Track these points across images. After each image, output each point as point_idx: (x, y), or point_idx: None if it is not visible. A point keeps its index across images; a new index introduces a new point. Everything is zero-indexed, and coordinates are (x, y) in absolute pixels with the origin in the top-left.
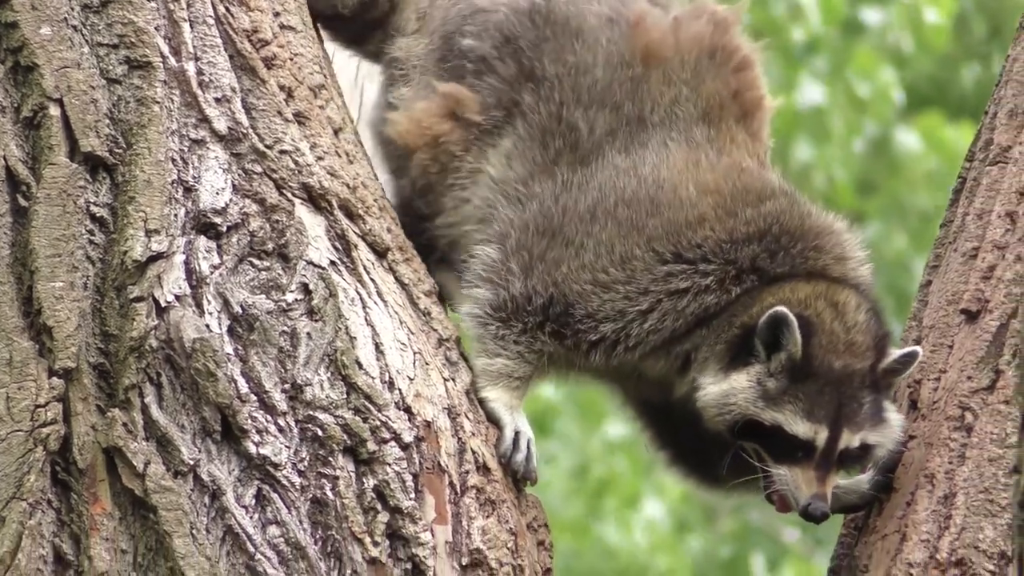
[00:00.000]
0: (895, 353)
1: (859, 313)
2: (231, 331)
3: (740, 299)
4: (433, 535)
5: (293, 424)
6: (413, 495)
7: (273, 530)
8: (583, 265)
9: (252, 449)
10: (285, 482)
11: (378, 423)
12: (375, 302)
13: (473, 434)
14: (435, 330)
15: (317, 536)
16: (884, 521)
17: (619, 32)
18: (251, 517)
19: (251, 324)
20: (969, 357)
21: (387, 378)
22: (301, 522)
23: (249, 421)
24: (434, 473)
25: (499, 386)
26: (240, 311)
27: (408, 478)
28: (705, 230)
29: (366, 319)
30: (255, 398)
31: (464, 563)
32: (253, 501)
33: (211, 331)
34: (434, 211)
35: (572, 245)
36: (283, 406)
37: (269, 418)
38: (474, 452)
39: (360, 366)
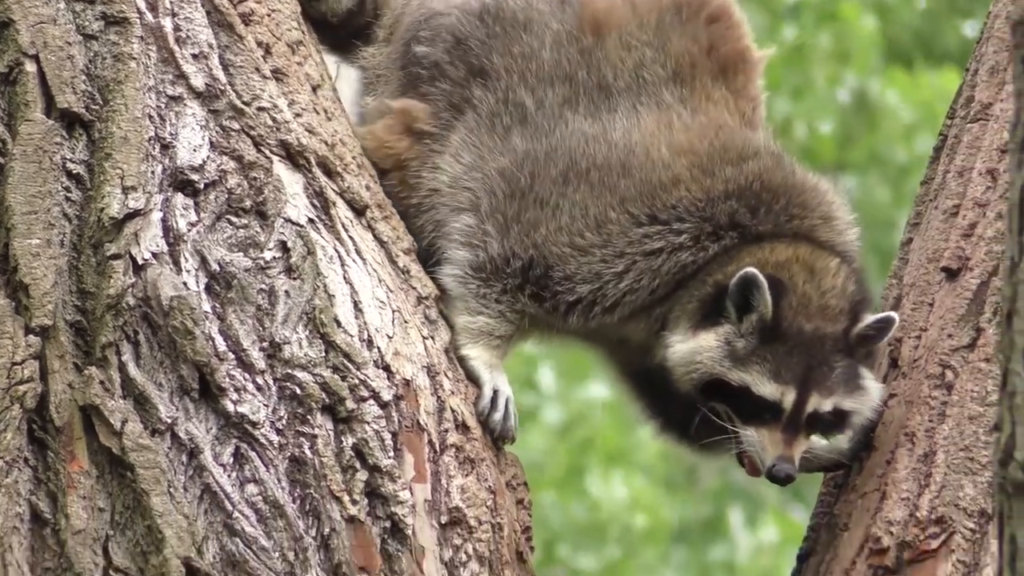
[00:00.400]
0: (869, 318)
1: (836, 277)
2: (209, 289)
3: (718, 257)
4: (412, 494)
5: (271, 382)
6: (392, 453)
7: (251, 488)
8: (560, 227)
9: (230, 407)
10: (263, 440)
11: (357, 381)
12: (353, 260)
13: (452, 392)
14: (414, 288)
15: (295, 494)
16: (864, 479)
17: (571, 11)
18: (229, 475)
19: (229, 282)
20: (950, 315)
21: (366, 336)
22: (279, 480)
23: (227, 379)
24: (413, 432)
25: (479, 344)
26: (218, 269)
27: (387, 436)
28: (680, 191)
29: (344, 277)
30: (233, 356)
31: (443, 521)
32: (231, 459)
33: (188, 289)
34: (416, 236)
35: (547, 206)
36: (261, 364)
37: (247, 376)
38: (453, 411)
39: (338, 324)
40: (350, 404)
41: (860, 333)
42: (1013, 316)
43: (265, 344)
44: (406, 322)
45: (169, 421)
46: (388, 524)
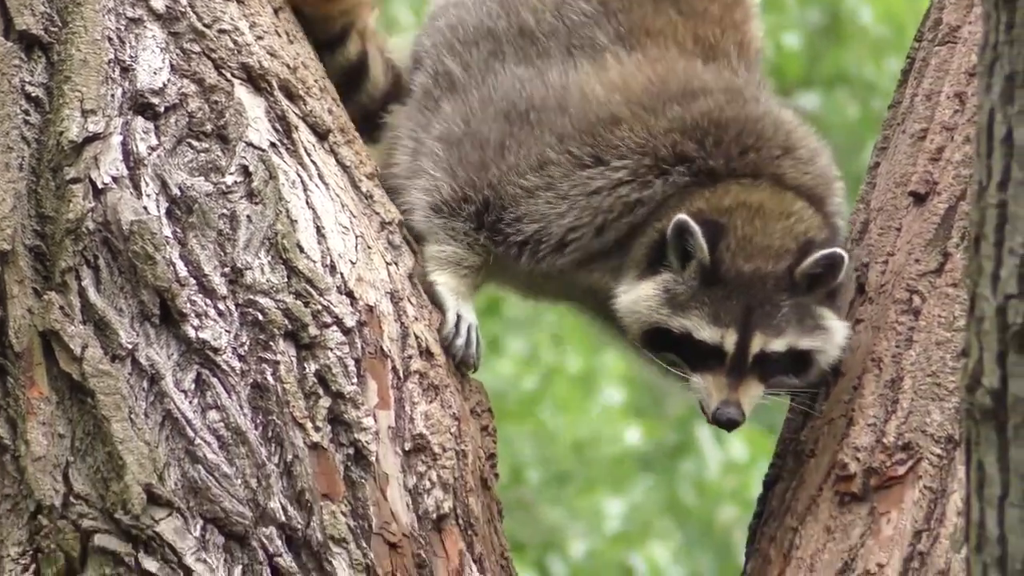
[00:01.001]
0: (817, 253)
1: (785, 217)
2: (169, 213)
3: (670, 199)
4: (376, 420)
5: (233, 308)
6: (355, 380)
7: (213, 415)
8: (509, 167)
9: (191, 333)
10: (225, 367)
11: (319, 307)
12: (316, 184)
13: (416, 319)
14: (377, 213)
15: (258, 421)
16: (831, 405)
17: None
18: (190, 402)
19: (190, 206)
20: (917, 240)
21: (328, 262)
22: (241, 407)
23: (188, 305)
24: (376, 358)
25: (447, 272)
26: (178, 193)
27: (350, 363)
28: (622, 130)
29: (307, 202)
30: (194, 282)
31: (407, 448)
32: (192, 386)
33: (149, 213)
34: None
35: (490, 146)
36: (223, 290)
37: (208, 302)
38: (417, 337)
39: (301, 250)
40: (313, 330)
41: (805, 271)
42: (981, 241)
43: (227, 270)
44: (369, 247)
45: (130, 347)
46: (351, 451)
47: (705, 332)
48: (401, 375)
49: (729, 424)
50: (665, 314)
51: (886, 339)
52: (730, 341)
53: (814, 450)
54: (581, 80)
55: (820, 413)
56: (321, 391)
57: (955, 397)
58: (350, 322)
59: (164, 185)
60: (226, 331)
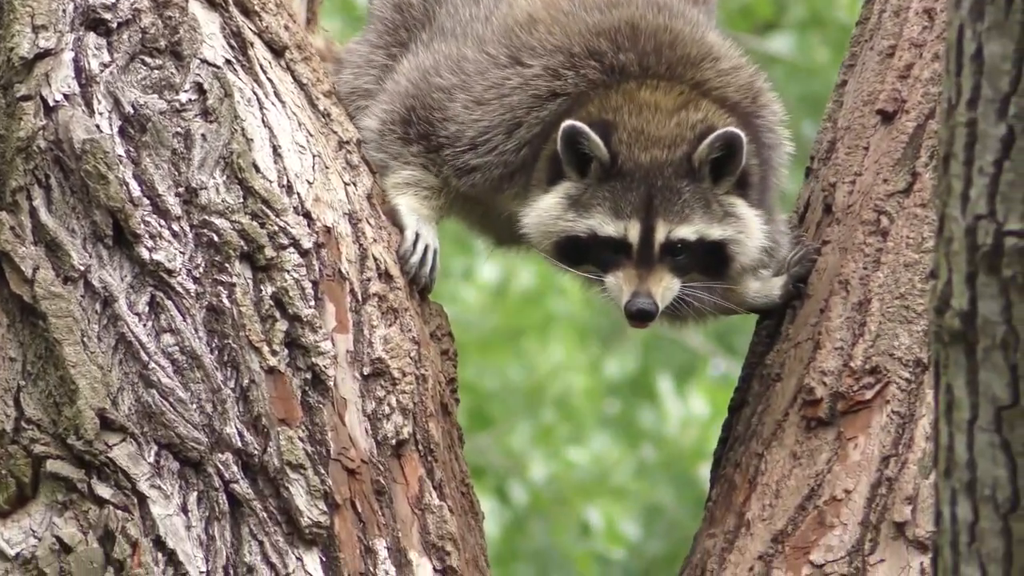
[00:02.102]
0: (712, 135)
1: (681, 111)
2: (122, 132)
3: (581, 98)
4: (334, 344)
5: (188, 229)
6: (313, 303)
7: (167, 338)
8: (427, 71)
9: (145, 255)
10: (180, 289)
11: (276, 228)
12: (272, 103)
13: (375, 240)
14: (335, 132)
15: (213, 345)
16: (797, 329)
17: None
18: (144, 325)
19: (143, 125)
20: (885, 159)
21: (285, 182)
22: (196, 330)
23: (142, 225)
24: (334, 280)
25: (407, 194)
26: (132, 111)
27: (307, 285)
28: (539, 31)
29: (263, 120)
30: (148, 202)
31: (366, 373)
32: (146, 308)
33: (102, 132)
34: None
35: (415, 67)
36: (177, 210)
37: (163, 223)
38: (376, 259)
39: (257, 169)
40: (269, 252)
41: (702, 156)
42: (950, 160)
43: (181, 190)
44: (327, 167)
45: (82, 268)
46: (309, 375)
47: (609, 227)
48: (359, 298)
49: (641, 315)
50: (570, 219)
51: (853, 261)
52: (634, 232)
53: (780, 374)
54: None
55: (786, 335)
56: (278, 314)
57: (924, 320)
58: (307, 244)
59: (117, 103)
60: (180, 253)
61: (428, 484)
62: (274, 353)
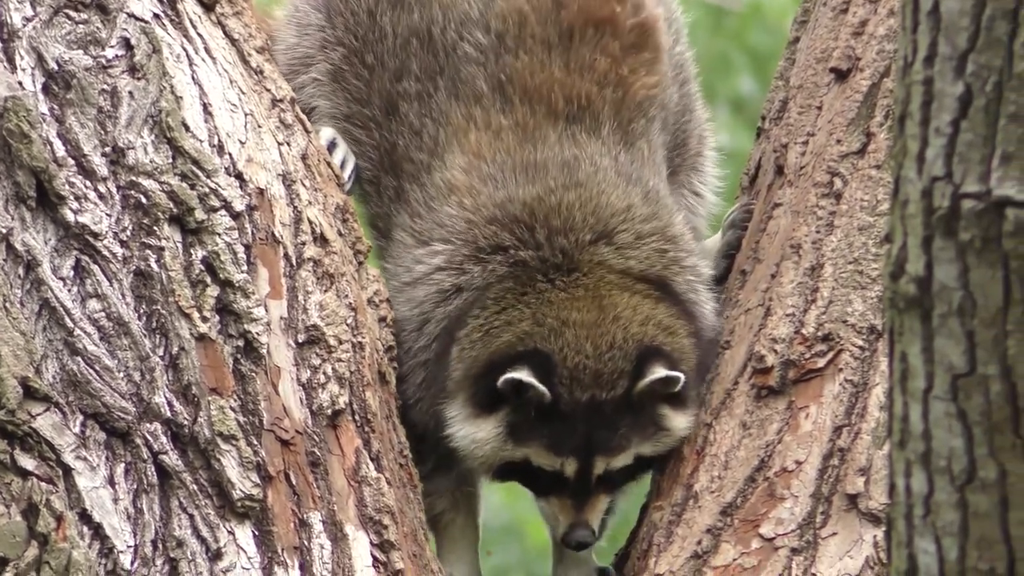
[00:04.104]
0: (650, 376)
1: (616, 330)
2: (46, 89)
3: (486, 293)
4: (267, 310)
5: (114, 190)
6: (245, 267)
7: (93, 304)
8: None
9: (70, 217)
10: (106, 253)
11: (207, 190)
12: (203, 59)
13: (310, 203)
14: (268, 90)
15: (141, 311)
16: (747, 294)
17: None
18: (69, 290)
19: (68, 82)
20: (839, 119)
21: (216, 142)
22: (123, 296)
23: (66, 187)
24: (268, 244)
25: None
26: (56, 67)
27: (239, 249)
28: (452, 207)
29: (193, 77)
30: (73, 162)
31: (300, 340)
32: (71, 273)
33: (24, 89)
34: None
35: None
36: (103, 171)
37: (88, 184)
38: (311, 222)
39: (187, 128)
40: (200, 214)
41: (642, 392)
42: (906, 119)
43: (107, 149)
44: (260, 126)
45: (4, 231)
46: (241, 343)
47: (545, 460)
48: (294, 262)
49: (581, 546)
50: (508, 449)
51: (806, 224)
52: (571, 468)
53: (729, 341)
54: (447, 143)
55: (736, 301)
56: (208, 279)
57: (878, 285)
58: (239, 206)
59: (40, 59)
60: (107, 215)
61: (365, 455)
62: (205, 320)
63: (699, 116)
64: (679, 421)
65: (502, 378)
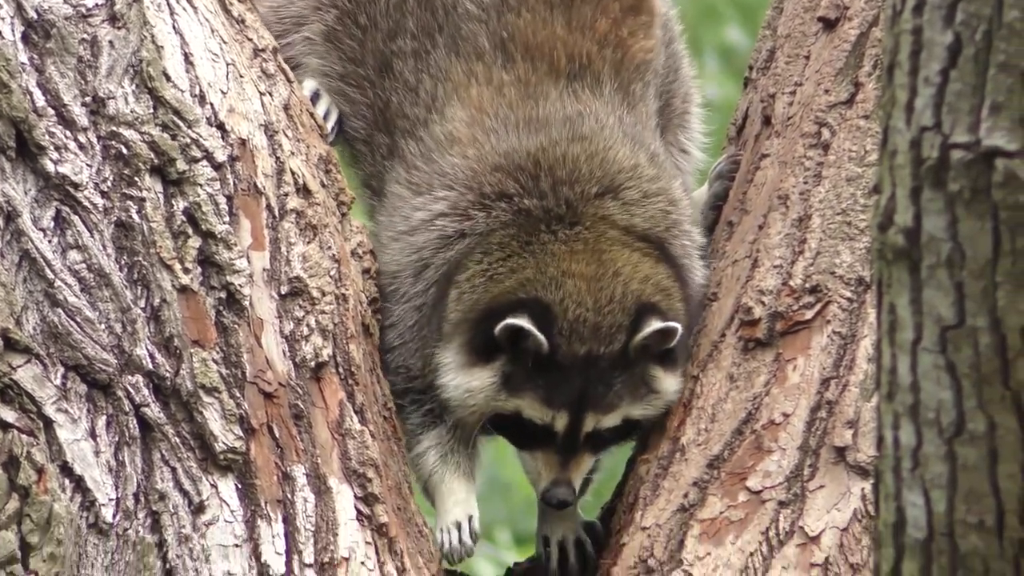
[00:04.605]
0: (647, 329)
1: (616, 284)
2: (25, 38)
3: (490, 241)
4: (249, 262)
5: (95, 140)
6: (227, 219)
7: (74, 255)
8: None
9: (50, 167)
10: (87, 203)
11: (188, 140)
12: (183, 8)
13: (293, 153)
14: (250, 39)
15: (122, 262)
16: (734, 246)
17: None
18: (50, 241)
19: (47, 31)
20: (827, 68)
21: (198, 91)
22: (104, 247)
23: (46, 137)
24: (250, 195)
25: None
26: (35, 16)
27: (221, 200)
28: (455, 156)
29: (174, 27)
30: (53, 112)
31: (283, 292)
32: (52, 224)
33: (3, 38)
34: None
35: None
36: (84, 121)
37: (68, 134)
38: (293, 173)
39: (168, 78)
40: (181, 165)
41: (638, 346)
42: (895, 69)
43: (88, 99)
44: (241, 76)
45: None
46: (223, 294)
47: (536, 413)
48: (276, 214)
49: (560, 505)
50: (501, 399)
51: (793, 175)
52: (561, 423)
53: (716, 293)
54: (447, 98)
55: (723, 253)
56: (190, 230)
57: (866, 236)
58: (221, 156)
59: (19, 7)
60: (87, 165)
61: (349, 408)
62: (186, 271)
63: (685, 74)
64: (668, 383)
65: (501, 324)
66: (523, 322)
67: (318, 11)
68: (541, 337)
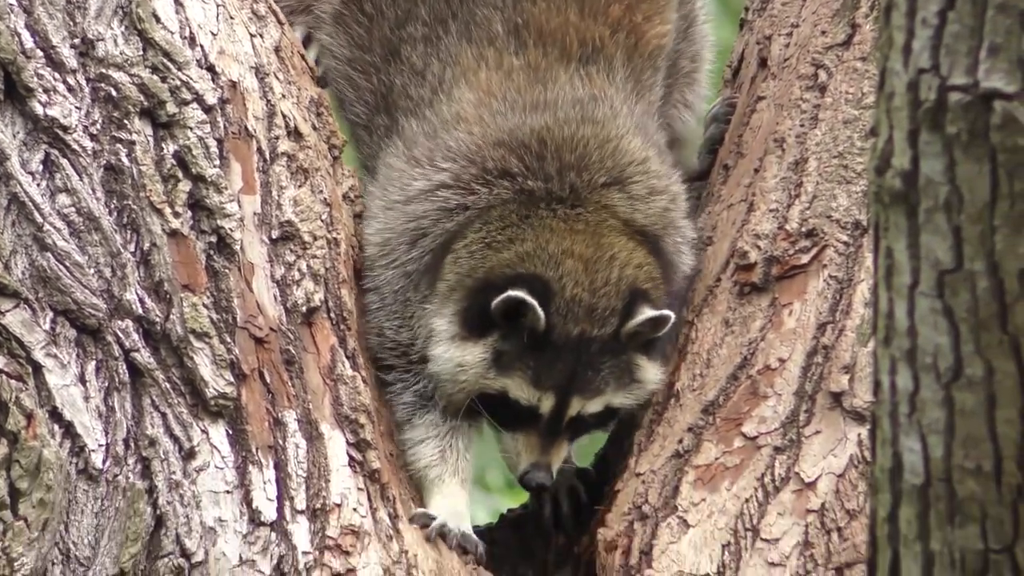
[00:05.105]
0: (640, 316)
1: (613, 267)
2: None
3: (490, 213)
4: (240, 206)
5: (84, 83)
6: (217, 162)
7: (63, 199)
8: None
9: (39, 110)
10: (76, 146)
11: (178, 83)
12: None
13: (283, 96)
14: None
15: (112, 206)
16: (730, 189)
17: None
18: (38, 184)
19: None
20: (823, 10)
21: (187, 33)
22: (94, 190)
23: (35, 79)
24: (240, 138)
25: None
26: None
27: (212, 143)
28: (460, 132)
29: None
30: (41, 54)
31: (274, 236)
32: (40, 167)
33: None
34: None
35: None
36: (73, 63)
37: (57, 76)
38: (284, 116)
39: (157, 20)
40: (171, 107)
41: (629, 332)
42: (892, 10)
43: (77, 41)
44: (232, 18)
45: None
46: (214, 239)
47: (523, 393)
48: (267, 157)
49: (538, 488)
50: (491, 377)
51: (790, 117)
52: (547, 405)
53: (712, 238)
54: (455, 80)
55: (719, 197)
56: (180, 174)
57: (863, 180)
58: (211, 99)
59: None
60: (76, 108)
61: (340, 353)
62: (176, 215)
63: (698, 34)
64: (652, 373)
65: (502, 296)
66: (525, 295)
67: None
68: (541, 312)
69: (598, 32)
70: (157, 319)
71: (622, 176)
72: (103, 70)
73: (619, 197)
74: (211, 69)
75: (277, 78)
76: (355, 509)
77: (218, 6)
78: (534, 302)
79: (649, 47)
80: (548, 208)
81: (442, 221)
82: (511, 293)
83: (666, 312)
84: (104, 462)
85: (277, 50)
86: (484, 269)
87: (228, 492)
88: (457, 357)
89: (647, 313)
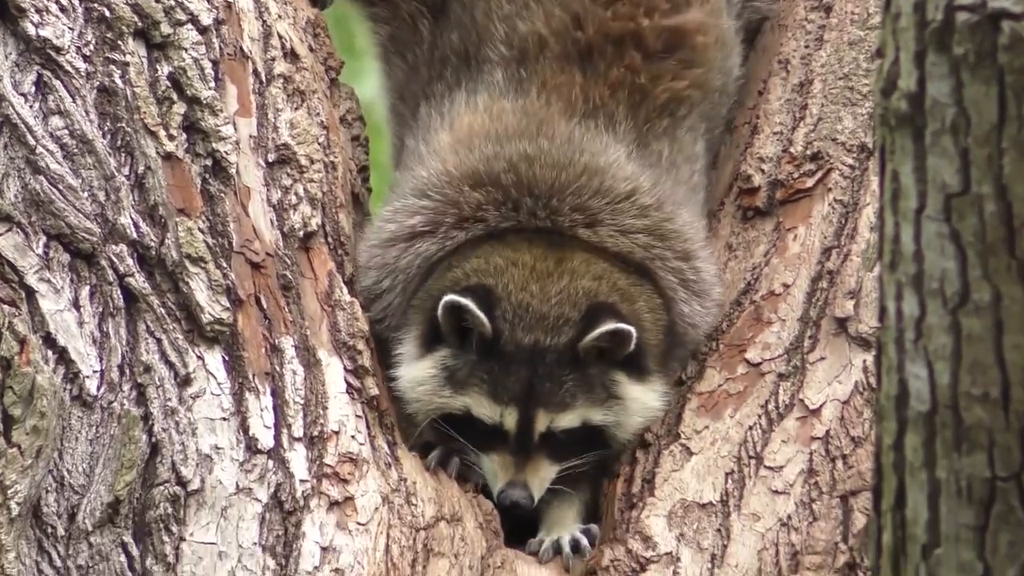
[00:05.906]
0: (599, 329)
1: (568, 278)
2: None
3: (461, 249)
4: (236, 128)
5: (77, 3)
6: (212, 84)
7: (56, 121)
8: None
9: (31, 30)
10: (69, 68)
11: (172, 3)
12: None
13: (280, 17)
14: None
15: (105, 128)
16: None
17: None
18: (31, 107)
19: None
20: None
21: None
22: (87, 112)
23: None
24: (236, 60)
25: None
26: None
27: (207, 65)
28: (435, 162)
29: None
30: None
31: (271, 159)
32: (33, 89)
33: None
34: None
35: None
36: None
37: None
38: (281, 37)
39: None
40: (165, 28)
41: (587, 347)
42: None
43: None
44: None
45: None
46: (209, 162)
47: (484, 410)
48: (263, 79)
49: (515, 507)
50: (447, 395)
51: (794, 38)
52: (511, 420)
53: (714, 161)
54: (448, 120)
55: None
56: (175, 96)
57: (869, 102)
58: (206, 19)
59: None
60: (69, 28)
61: (338, 279)
62: (171, 138)
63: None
64: (635, 391)
65: (441, 302)
66: (464, 299)
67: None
68: (481, 315)
69: (600, 91)
70: (152, 243)
71: (598, 215)
72: None
73: (589, 231)
74: None
75: None
76: (353, 436)
77: None
78: (472, 305)
79: (659, 100)
80: (515, 234)
81: (419, 266)
82: (449, 298)
83: (624, 327)
84: (98, 388)
85: None
86: (438, 288)
87: (224, 419)
88: (412, 375)
89: (607, 325)
